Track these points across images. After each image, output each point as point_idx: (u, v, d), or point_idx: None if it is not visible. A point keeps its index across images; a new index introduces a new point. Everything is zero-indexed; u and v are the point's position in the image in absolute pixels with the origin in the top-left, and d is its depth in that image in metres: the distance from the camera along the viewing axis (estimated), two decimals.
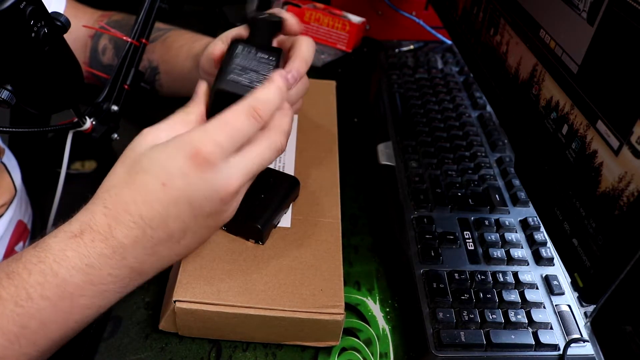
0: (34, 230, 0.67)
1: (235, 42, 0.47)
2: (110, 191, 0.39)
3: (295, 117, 0.63)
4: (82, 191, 0.43)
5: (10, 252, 0.59)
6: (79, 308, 0.38)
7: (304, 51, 0.48)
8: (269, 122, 0.42)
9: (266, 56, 0.46)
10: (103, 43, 0.69)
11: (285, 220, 0.52)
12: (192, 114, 0.43)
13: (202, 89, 0.45)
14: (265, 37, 0.48)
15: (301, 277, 0.46)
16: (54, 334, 0.38)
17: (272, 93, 0.41)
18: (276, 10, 0.49)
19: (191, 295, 0.44)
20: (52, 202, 0.56)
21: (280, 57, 0.47)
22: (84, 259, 0.37)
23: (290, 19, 0.48)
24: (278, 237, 0.50)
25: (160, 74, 0.66)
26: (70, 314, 0.38)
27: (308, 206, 0.53)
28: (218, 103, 0.42)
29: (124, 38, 0.57)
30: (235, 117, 0.39)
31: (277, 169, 0.56)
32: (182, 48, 0.64)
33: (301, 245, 0.49)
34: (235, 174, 0.39)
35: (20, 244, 0.63)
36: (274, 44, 0.50)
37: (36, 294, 0.36)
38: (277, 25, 0.48)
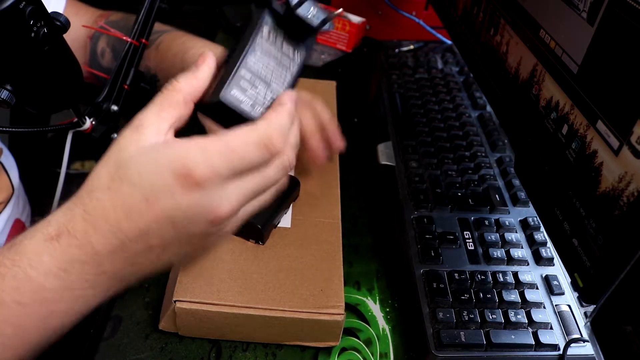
0: None
1: (265, 15, 0.39)
2: (91, 194, 0.36)
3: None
4: None
5: None
6: (58, 314, 0.36)
7: None
8: None
9: (292, 49, 0.40)
10: (101, 46, 0.68)
11: (285, 220, 0.52)
12: (180, 92, 0.36)
13: (204, 62, 0.38)
14: (302, 35, 0.41)
15: (301, 277, 0.46)
16: (32, 338, 0.36)
17: (284, 118, 0.37)
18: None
19: (191, 295, 0.44)
20: (52, 202, 0.56)
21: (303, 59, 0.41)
22: (60, 264, 0.35)
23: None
24: (278, 237, 0.50)
25: (160, 80, 0.66)
26: (48, 319, 0.36)
27: (308, 206, 0.53)
28: (216, 111, 0.37)
29: (124, 38, 0.57)
30: (243, 146, 0.34)
31: None
32: (176, 57, 0.63)
33: (301, 245, 0.49)
34: (229, 199, 0.35)
35: None
36: None
37: (10, 299, 0.34)
38: (317, 29, 0.42)
